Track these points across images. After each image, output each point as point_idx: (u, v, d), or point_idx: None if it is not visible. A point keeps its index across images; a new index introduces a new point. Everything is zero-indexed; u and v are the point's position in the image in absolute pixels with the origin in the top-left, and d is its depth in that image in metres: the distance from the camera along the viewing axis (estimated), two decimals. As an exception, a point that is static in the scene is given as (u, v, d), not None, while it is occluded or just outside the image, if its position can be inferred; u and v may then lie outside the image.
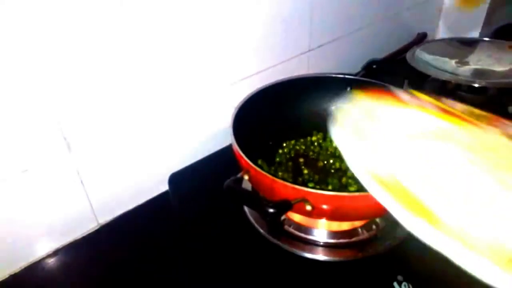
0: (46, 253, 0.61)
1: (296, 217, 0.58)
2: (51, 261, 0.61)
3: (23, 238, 0.58)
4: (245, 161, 0.51)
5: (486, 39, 0.93)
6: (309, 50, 0.84)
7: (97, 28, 0.51)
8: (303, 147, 0.71)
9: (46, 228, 0.59)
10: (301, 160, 0.69)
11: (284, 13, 0.74)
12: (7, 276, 0.58)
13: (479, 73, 0.79)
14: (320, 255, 0.54)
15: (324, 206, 0.47)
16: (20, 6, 0.44)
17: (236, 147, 0.53)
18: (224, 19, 0.65)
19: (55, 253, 0.61)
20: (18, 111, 0.49)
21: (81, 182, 0.59)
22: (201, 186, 0.67)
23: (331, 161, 0.68)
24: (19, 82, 0.48)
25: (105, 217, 0.66)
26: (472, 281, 0.51)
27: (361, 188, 0.39)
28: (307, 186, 0.50)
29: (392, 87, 0.67)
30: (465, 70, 0.80)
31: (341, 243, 0.56)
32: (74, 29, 0.49)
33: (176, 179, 0.69)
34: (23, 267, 0.59)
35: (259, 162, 0.64)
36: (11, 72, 0.47)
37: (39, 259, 0.60)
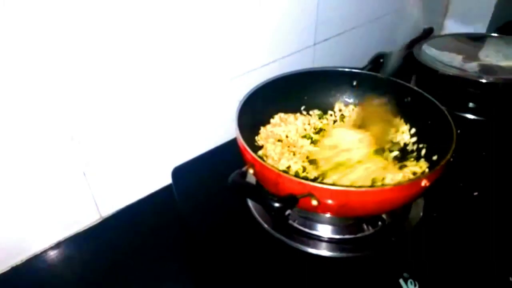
0: (49, 245, 0.61)
1: (300, 212, 0.57)
2: (53, 253, 0.60)
3: (26, 230, 0.57)
4: (250, 154, 0.51)
5: (494, 34, 0.92)
6: (315, 44, 0.83)
7: (102, 24, 0.51)
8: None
9: (49, 221, 0.59)
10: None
11: (289, 6, 0.73)
12: (8, 268, 0.57)
13: (486, 69, 0.78)
14: (324, 251, 0.54)
15: (330, 201, 0.46)
16: (25, 10, 0.44)
17: (241, 140, 0.53)
18: (230, 13, 0.64)
19: (57, 245, 0.61)
20: (24, 104, 0.49)
21: (84, 174, 0.59)
22: (204, 179, 0.67)
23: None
24: (24, 78, 0.47)
25: (108, 210, 0.66)
26: (477, 278, 0.51)
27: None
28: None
29: (398, 81, 0.67)
30: (472, 66, 0.79)
31: (346, 239, 0.55)
32: (80, 27, 0.49)
33: (179, 172, 0.68)
34: (24, 259, 0.59)
35: None
36: (17, 70, 0.46)
37: (41, 251, 0.60)
